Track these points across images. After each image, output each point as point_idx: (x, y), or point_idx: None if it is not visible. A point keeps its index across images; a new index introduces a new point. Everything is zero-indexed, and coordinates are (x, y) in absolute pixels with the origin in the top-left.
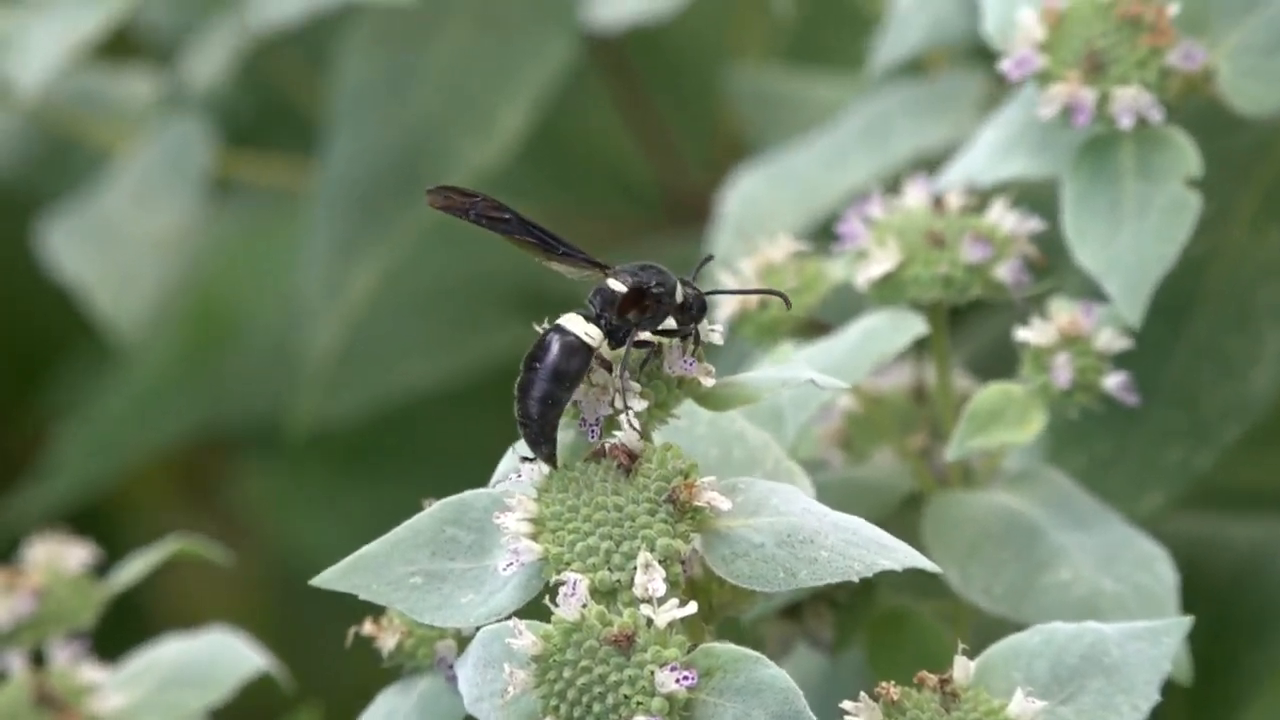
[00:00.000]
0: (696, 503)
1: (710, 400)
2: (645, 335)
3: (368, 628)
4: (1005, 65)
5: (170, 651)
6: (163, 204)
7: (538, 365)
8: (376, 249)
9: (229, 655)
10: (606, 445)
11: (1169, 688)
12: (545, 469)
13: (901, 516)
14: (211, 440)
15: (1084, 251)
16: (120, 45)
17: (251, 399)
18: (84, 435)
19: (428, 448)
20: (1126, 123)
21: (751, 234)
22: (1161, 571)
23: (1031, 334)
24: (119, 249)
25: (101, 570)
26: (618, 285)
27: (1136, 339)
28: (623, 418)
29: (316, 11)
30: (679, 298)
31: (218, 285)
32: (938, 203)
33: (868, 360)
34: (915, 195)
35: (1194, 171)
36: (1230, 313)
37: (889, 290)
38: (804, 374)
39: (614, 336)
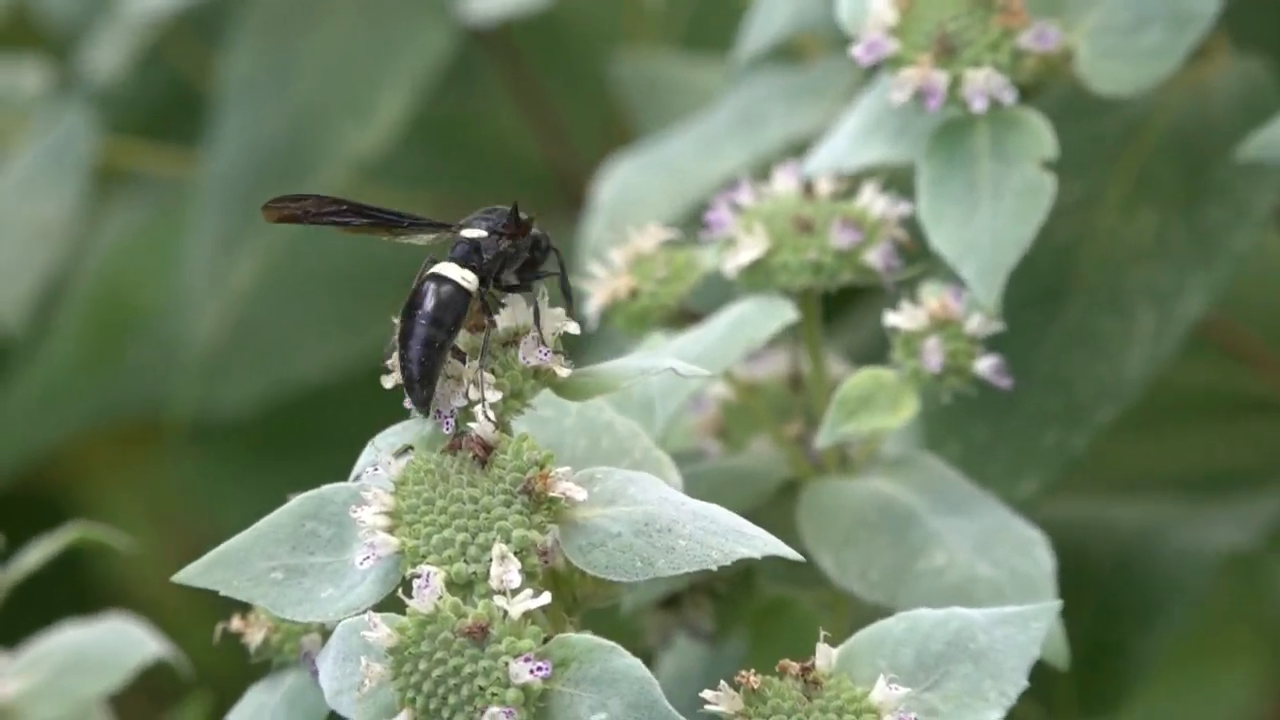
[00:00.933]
0: (551, 493)
1: (567, 390)
2: (515, 282)
3: (235, 623)
4: (856, 50)
5: (67, 638)
6: (47, 195)
7: (418, 311)
8: (259, 238)
9: (126, 642)
10: (462, 437)
11: (1057, 674)
12: (403, 462)
13: (778, 505)
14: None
15: (939, 235)
16: (21, 36)
17: (153, 387)
18: None
19: (338, 433)
20: (979, 105)
21: (623, 223)
22: (1039, 556)
23: (901, 319)
24: (2, 240)
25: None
26: (474, 232)
27: (1010, 325)
28: (477, 409)
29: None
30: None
31: (119, 275)
32: (808, 189)
33: (737, 348)
34: (784, 182)
35: (1049, 154)
36: (1102, 295)
37: (758, 277)
38: (664, 362)
39: (486, 281)
